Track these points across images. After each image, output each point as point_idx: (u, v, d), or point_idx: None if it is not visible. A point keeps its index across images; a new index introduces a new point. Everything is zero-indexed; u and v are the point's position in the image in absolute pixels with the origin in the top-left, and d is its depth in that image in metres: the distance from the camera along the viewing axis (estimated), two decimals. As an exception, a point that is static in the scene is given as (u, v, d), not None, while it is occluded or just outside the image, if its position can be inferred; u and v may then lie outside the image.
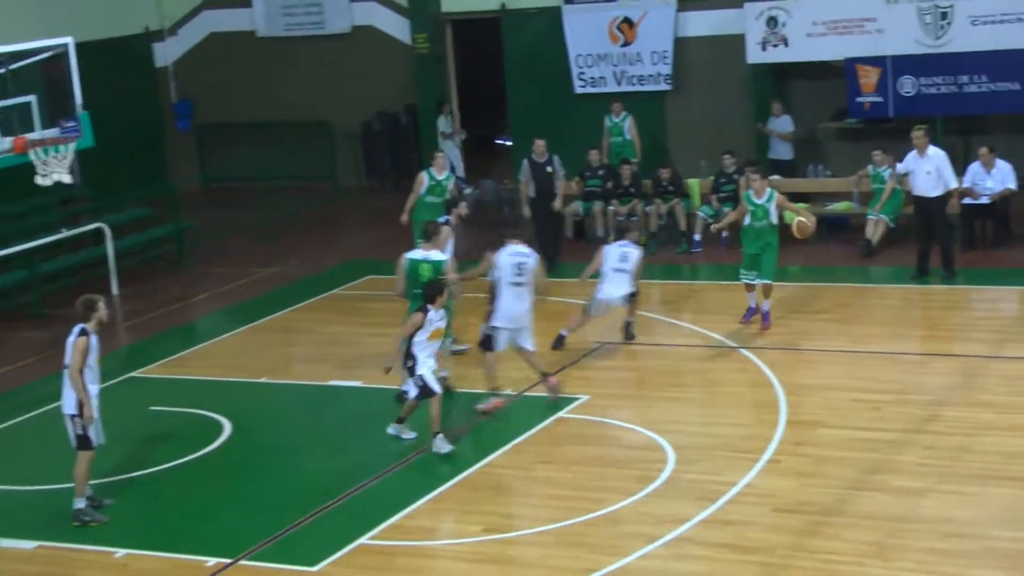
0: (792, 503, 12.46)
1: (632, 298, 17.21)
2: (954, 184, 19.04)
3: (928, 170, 18.76)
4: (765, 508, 12.42)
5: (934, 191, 18.78)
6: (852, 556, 11.41)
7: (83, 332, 13.11)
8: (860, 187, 21.46)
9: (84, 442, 13.13)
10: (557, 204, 21.26)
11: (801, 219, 17.40)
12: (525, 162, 21.55)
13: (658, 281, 20.30)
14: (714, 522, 12.14)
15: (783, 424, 14.32)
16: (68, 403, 13.10)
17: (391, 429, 14.75)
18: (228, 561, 12.27)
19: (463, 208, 17.80)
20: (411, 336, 14.16)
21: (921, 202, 19.03)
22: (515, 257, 15.35)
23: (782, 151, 23.45)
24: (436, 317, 14.15)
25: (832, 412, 14.67)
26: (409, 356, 14.18)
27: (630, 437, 14.40)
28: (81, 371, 13.01)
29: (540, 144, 21.29)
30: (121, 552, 12.66)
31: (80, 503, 13.14)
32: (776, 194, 17.43)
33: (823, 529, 11.91)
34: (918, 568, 11.18)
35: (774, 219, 17.26)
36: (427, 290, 14.38)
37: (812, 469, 13.21)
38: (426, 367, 14.15)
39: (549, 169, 21.16)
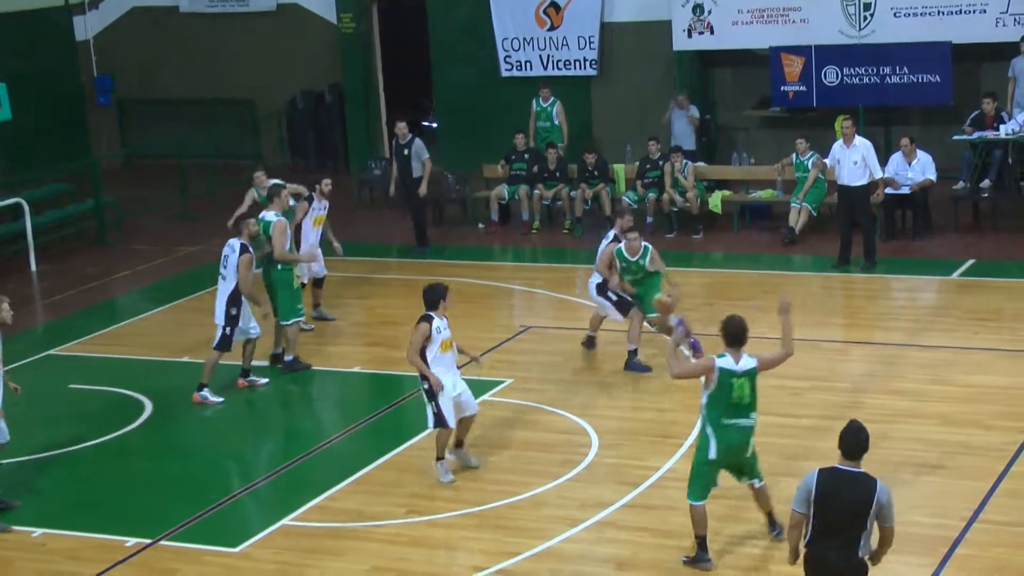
0: (714, 488, 12.54)
1: (600, 289, 16.02)
2: (879, 174, 19.26)
3: (855, 160, 18.95)
4: (679, 493, 12.47)
5: (859, 180, 18.97)
6: (771, 540, 11.50)
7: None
8: (783, 175, 21.64)
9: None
10: (422, 189, 21.15)
11: (663, 297, 14.96)
12: (394, 143, 21.63)
13: (584, 266, 20.33)
14: (636, 506, 12.23)
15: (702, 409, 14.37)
16: None
17: (448, 460, 13.19)
18: (148, 541, 12.21)
19: (325, 184, 17.83)
20: (423, 351, 12.77)
21: (845, 191, 19.22)
22: (224, 248, 15.54)
23: (686, 140, 23.40)
24: (443, 325, 12.84)
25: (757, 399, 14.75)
26: (424, 378, 12.85)
27: (554, 421, 14.44)
28: None
29: (401, 126, 21.19)
30: (39, 531, 12.56)
31: None
32: (651, 250, 15.70)
33: (743, 514, 11.98)
34: (837, 553, 11.29)
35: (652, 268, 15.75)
36: (428, 295, 12.90)
37: (734, 454, 13.31)
38: (445, 394, 12.83)
39: (406, 152, 21.06)
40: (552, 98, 23.60)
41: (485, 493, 12.69)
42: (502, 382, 15.53)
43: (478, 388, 15.25)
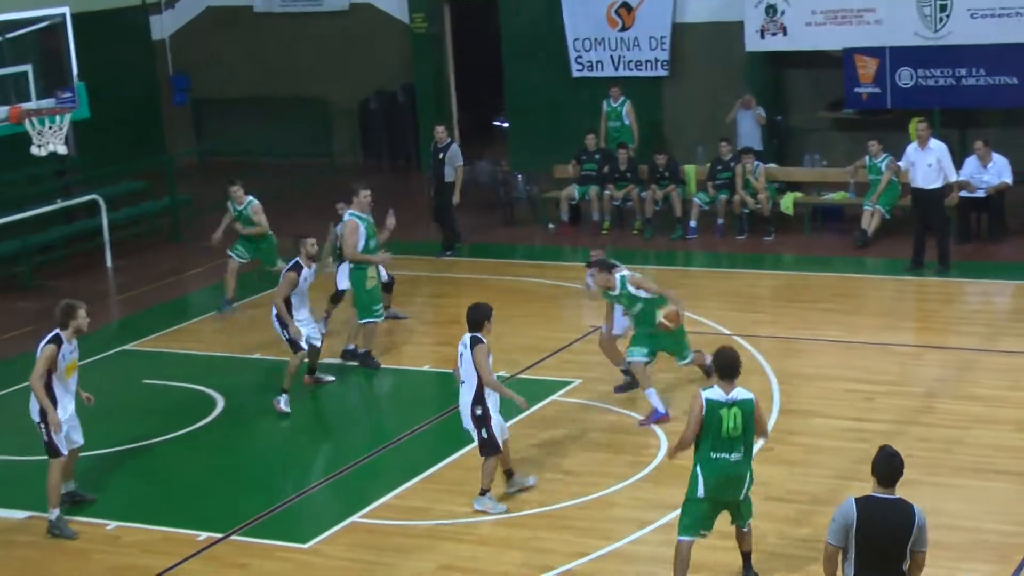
0: (783, 492, 12.48)
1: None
2: (954, 177, 19.08)
3: (929, 162, 18.77)
4: (755, 496, 12.35)
5: (934, 183, 18.80)
6: (843, 546, 11.43)
7: (54, 339, 12.36)
8: (856, 177, 21.48)
9: (52, 449, 12.48)
10: (455, 197, 21.03)
11: (667, 311, 14.26)
12: (432, 146, 21.51)
13: (652, 267, 20.31)
14: (705, 509, 12.19)
15: (775, 413, 14.31)
16: (34, 409, 12.51)
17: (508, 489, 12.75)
18: (219, 536, 12.29)
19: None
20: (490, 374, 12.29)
21: (919, 194, 19.04)
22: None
23: (753, 140, 23.26)
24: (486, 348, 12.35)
25: (824, 402, 14.69)
26: (479, 401, 12.39)
27: (623, 422, 14.41)
28: (48, 378, 12.33)
29: (439, 130, 21.24)
30: (112, 524, 12.68)
31: (53, 514, 12.48)
32: (627, 277, 14.43)
33: (813, 519, 11.90)
34: (908, 559, 11.20)
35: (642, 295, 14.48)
36: (473, 316, 12.39)
37: (803, 458, 13.23)
38: (497, 417, 12.42)
39: (441, 156, 21.03)
40: (622, 98, 23.55)
41: (554, 493, 12.67)
42: (571, 382, 15.51)
43: (547, 388, 15.30)
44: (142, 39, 29.21)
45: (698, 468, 10.42)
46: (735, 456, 10.37)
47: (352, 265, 16.20)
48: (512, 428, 14.02)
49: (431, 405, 15.51)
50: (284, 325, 15.23)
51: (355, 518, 12.49)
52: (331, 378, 16.01)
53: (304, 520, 12.64)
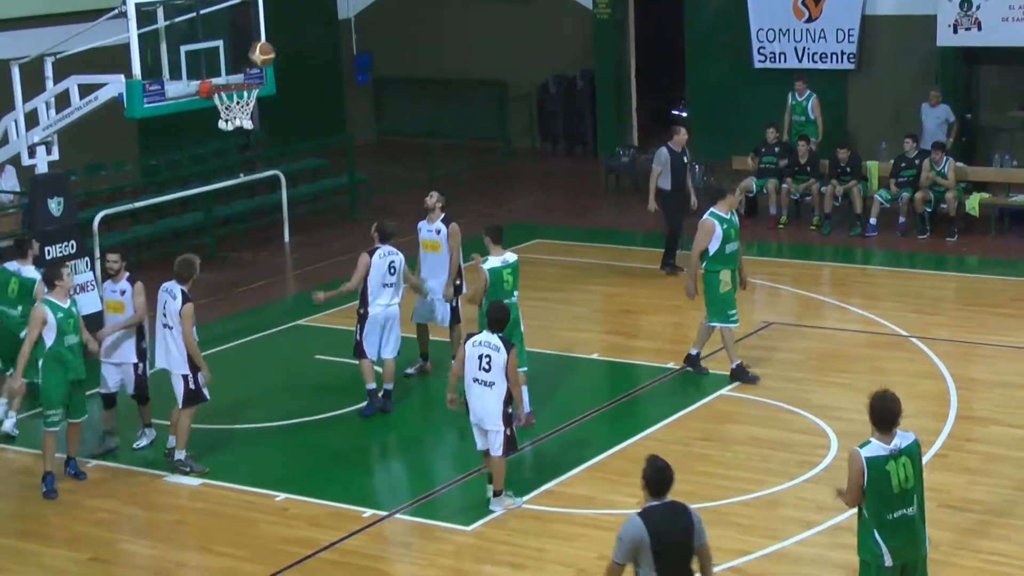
0: (958, 500, 12.21)
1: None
2: None
3: None
4: (929, 503, 11.99)
5: None
6: (1020, 559, 11.15)
7: (188, 298, 13.23)
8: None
9: (197, 397, 13.29)
10: (694, 202, 19.32)
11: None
12: (663, 150, 19.42)
13: (830, 263, 19.99)
14: (876, 514, 11.95)
15: (952, 418, 14.02)
16: (177, 363, 13.18)
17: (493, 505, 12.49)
18: (384, 513, 12.43)
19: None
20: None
21: None
22: (387, 257, 14.84)
23: (939, 135, 22.59)
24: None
25: (1005, 409, 14.34)
26: (509, 400, 12.23)
27: (792, 420, 14.22)
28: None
29: (684, 133, 19.53)
30: (281, 496, 12.89)
31: (181, 454, 13.34)
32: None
33: (990, 529, 11.65)
34: (1091, 576, 10.91)
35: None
36: (495, 315, 12.24)
37: (981, 467, 12.93)
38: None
39: (686, 159, 19.56)
40: (808, 92, 23.20)
41: (720, 489, 12.54)
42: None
43: (716, 383, 15.14)
44: (328, 18, 29.67)
45: (876, 534, 9.13)
46: (911, 510, 9.15)
47: (705, 265, 15.22)
48: (678, 420, 14.03)
49: (598, 394, 15.47)
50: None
51: (520, 503, 12.52)
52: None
53: (467, 502, 12.70)
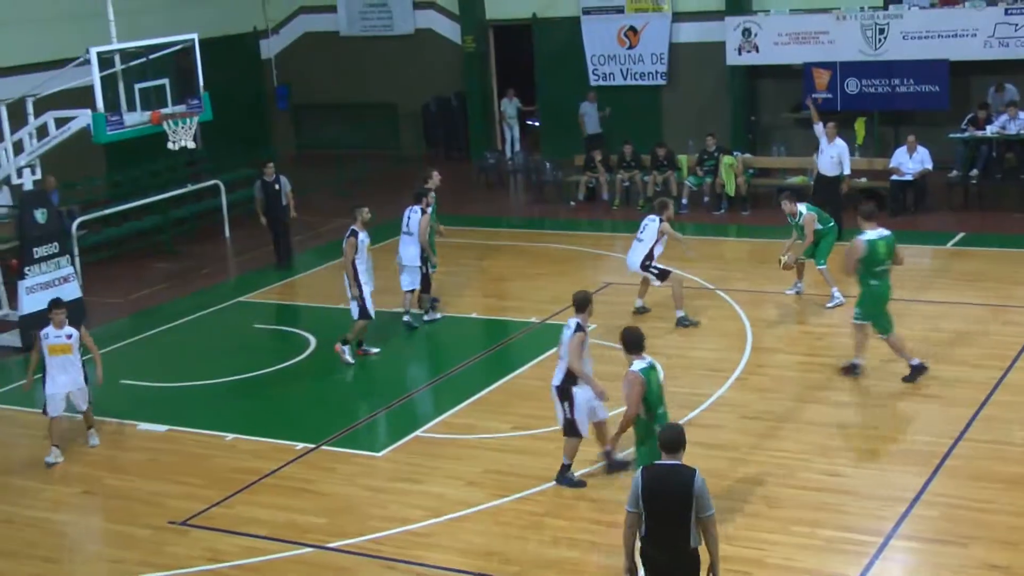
0: (754, 412, 12.46)
1: (646, 267, 15.26)
2: (848, 171, 18.71)
3: (832, 155, 18.57)
4: (732, 415, 12.42)
5: (833, 172, 18.48)
6: (800, 454, 11.42)
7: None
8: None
9: (365, 314, 14.30)
10: (293, 213, 19.34)
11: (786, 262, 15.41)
12: (258, 183, 19.32)
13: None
14: (693, 426, 12.09)
15: (748, 350, 14.26)
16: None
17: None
18: (312, 445, 12.38)
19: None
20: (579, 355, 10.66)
21: (821, 179, 18.72)
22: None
23: (594, 126, 24.02)
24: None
25: (785, 341, 14.62)
26: (566, 388, 10.80)
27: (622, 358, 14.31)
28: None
29: (269, 167, 19.32)
30: (231, 436, 12.79)
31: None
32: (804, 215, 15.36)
33: (778, 432, 11.90)
34: (850, 463, 11.18)
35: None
36: (579, 299, 10.94)
37: (770, 385, 13.19)
38: (584, 398, 10.84)
39: (277, 187, 19.13)
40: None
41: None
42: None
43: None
44: (253, 58, 29.17)
45: (653, 427, 9.41)
46: (663, 408, 9.66)
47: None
48: (541, 362, 14.04)
49: (478, 344, 15.52)
50: (350, 285, 14.56)
51: (417, 432, 12.54)
52: (376, 350, 15.21)
53: (378, 434, 12.70)
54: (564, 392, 10.84)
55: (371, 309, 14.62)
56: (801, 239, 15.48)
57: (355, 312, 14.61)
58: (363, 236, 14.67)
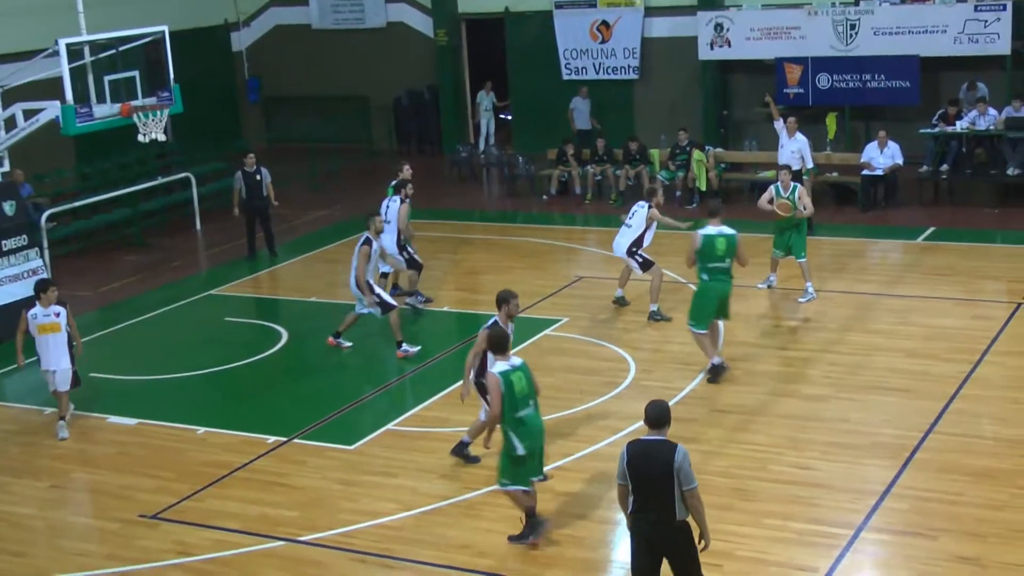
0: (725, 405, 12.50)
1: (632, 254, 15.20)
2: (810, 164, 18.85)
3: (793, 149, 18.65)
4: (703, 408, 12.46)
5: (794, 166, 18.46)
6: (771, 446, 11.47)
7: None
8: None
9: (387, 306, 14.29)
10: (275, 202, 19.36)
11: (780, 202, 15.49)
12: (238, 173, 19.25)
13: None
14: (664, 418, 12.17)
15: (721, 343, 14.24)
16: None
17: None
18: (284, 439, 12.34)
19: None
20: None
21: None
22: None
23: (584, 122, 24.03)
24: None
25: (756, 334, 14.67)
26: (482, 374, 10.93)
27: (600, 351, 14.39)
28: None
29: (251, 157, 19.36)
30: (202, 430, 12.72)
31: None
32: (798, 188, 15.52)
33: (749, 425, 11.95)
34: (821, 456, 11.24)
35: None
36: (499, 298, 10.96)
37: (742, 378, 13.23)
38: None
39: (258, 177, 19.11)
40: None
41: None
42: (560, 320, 15.49)
43: (541, 325, 15.26)
44: (224, 50, 29.02)
45: (510, 432, 9.52)
46: (530, 409, 9.61)
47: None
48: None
49: (449, 338, 15.51)
50: (364, 293, 14.34)
51: (390, 426, 12.52)
52: (349, 344, 15.06)
53: (350, 427, 12.66)
54: (483, 387, 10.97)
55: (391, 300, 14.57)
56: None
57: (379, 312, 14.44)
58: (376, 245, 14.50)
